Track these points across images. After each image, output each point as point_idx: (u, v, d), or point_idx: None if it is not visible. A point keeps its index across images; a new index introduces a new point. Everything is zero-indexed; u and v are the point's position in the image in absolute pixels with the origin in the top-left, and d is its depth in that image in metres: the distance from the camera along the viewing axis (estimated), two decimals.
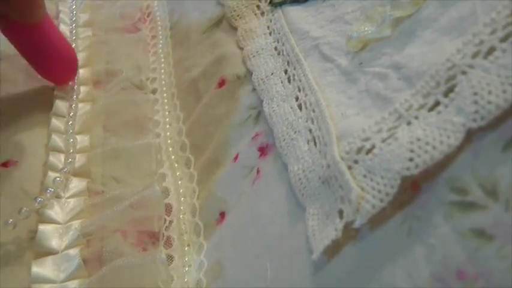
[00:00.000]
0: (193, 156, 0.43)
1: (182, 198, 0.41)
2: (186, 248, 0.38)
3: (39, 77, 0.47)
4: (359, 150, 0.28)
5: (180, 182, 0.42)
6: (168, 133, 0.46)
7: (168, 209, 0.40)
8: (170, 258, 0.38)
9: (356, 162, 0.28)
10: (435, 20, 0.31)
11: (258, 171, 0.36)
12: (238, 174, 0.38)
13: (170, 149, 0.45)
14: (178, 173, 0.43)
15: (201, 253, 0.37)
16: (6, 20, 0.43)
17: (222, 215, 0.38)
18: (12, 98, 0.47)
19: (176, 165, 0.43)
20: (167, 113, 0.48)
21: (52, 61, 0.47)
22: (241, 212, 0.36)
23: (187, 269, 0.37)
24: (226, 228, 0.37)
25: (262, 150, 0.37)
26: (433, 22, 0.31)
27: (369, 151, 0.28)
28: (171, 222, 0.40)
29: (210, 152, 0.42)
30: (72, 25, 0.55)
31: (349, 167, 0.28)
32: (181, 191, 0.42)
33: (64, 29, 0.54)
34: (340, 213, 0.27)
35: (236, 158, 0.39)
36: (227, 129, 0.41)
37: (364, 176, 0.27)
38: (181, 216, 0.40)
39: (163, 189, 0.42)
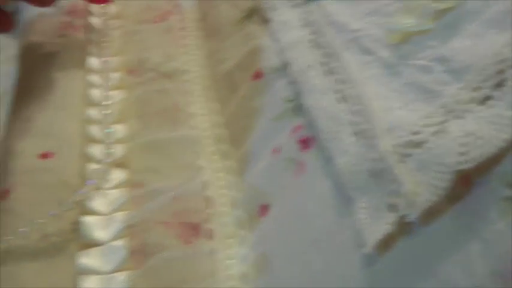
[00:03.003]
0: (232, 148, 0.43)
1: (222, 191, 0.41)
2: (229, 240, 0.38)
3: (69, 68, 0.48)
4: (409, 144, 0.28)
5: (219, 174, 0.42)
6: (204, 125, 0.46)
7: (209, 201, 0.41)
8: (213, 250, 0.38)
9: (407, 156, 0.28)
10: (480, 12, 0.31)
11: (300, 164, 0.36)
12: (280, 167, 0.38)
13: (207, 140, 0.45)
14: (216, 165, 0.43)
15: (245, 245, 0.38)
16: None
17: (265, 207, 0.38)
18: (44, 89, 0.47)
19: (214, 157, 0.44)
20: (202, 104, 0.48)
21: None
22: (286, 205, 0.36)
23: (231, 261, 0.37)
24: (270, 221, 0.37)
25: (304, 143, 0.37)
26: (478, 15, 0.31)
27: (419, 145, 0.28)
28: (212, 214, 0.40)
29: (248, 144, 0.42)
30: (103, 17, 0.55)
31: (400, 161, 0.28)
32: (221, 183, 0.42)
33: (95, 20, 0.54)
34: (393, 207, 0.28)
35: (276, 150, 0.39)
36: (265, 122, 0.41)
37: (417, 170, 0.27)
38: (222, 208, 0.40)
39: (203, 182, 0.42)
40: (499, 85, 0.27)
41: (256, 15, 0.48)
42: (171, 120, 0.46)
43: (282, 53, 0.42)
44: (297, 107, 0.39)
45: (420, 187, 0.27)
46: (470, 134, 0.26)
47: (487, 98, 0.27)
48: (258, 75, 0.43)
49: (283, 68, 0.42)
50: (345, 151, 0.32)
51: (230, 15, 0.51)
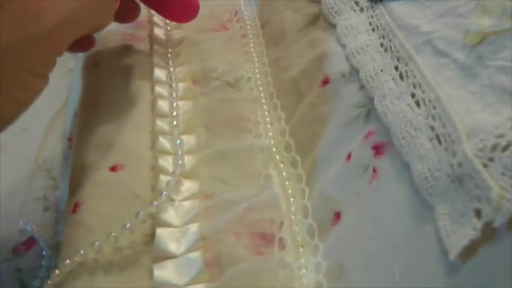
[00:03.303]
0: (299, 156, 0.43)
1: (291, 199, 0.41)
2: (301, 250, 0.38)
3: (135, 80, 0.48)
4: (494, 147, 0.27)
5: (287, 183, 0.42)
6: (270, 133, 0.46)
7: (279, 210, 0.40)
8: (286, 260, 0.37)
9: (491, 159, 0.27)
10: None
11: (374, 170, 0.35)
12: (352, 174, 0.37)
13: (274, 149, 0.44)
14: (284, 173, 0.43)
15: (318, 254, 0.37)
16: None
17: (337, 215, 0.37)
18: (111, 101, 0.47)
19: (282, 165, 0.43)
20: (267, 112, 0.48)
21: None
22: (360, 212, 0.35)
23: (304, 271, 0.36)
24: (344, 229, 0.36)
25: (377, 149, 0.36)
26: None
27: (505, 148, 0.27)
28: (282, 223, 0.39)
29: (317, 151, 0.41)
30: (166, 27, 0.55)
31: (485, 165, 0.27)
32: (289, 191, 0.41)
33: (158, 31, 0.55)
34: (478, 212, 0.27)
35: (349, 157, 0.38)
36: (335, 128, 0.40)
37: (502, 174, 0.26)
38: (292, 217, 0.39)
39: (273, 191, 0.41)
40: None
41: (320, 20, 0.47)
42: (238, 129, 0.46)
43: (350, 58, 0.41)
44: (369, 113, 0.38)
45: (507, 191, 0.26)
46: None
47: None
48: (325, 82, 0.43)
49: (352, 73, 0.41)
50: (423, 156, 0.32)
51: (293, 21, 0.50)
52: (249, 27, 0.56)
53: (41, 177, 0.53)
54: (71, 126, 0.55)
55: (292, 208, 0.40)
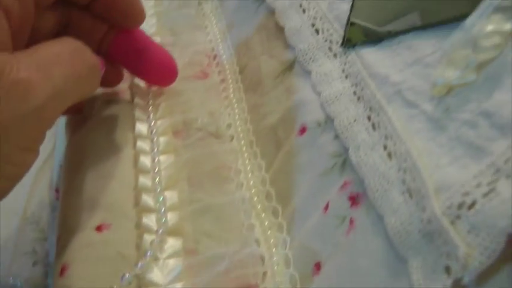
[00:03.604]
0: (280, 206, 0.43)
1: (273, 249, 0.41)
2: None
3: (118, 135, 0.49)
4: (460, 205, 0.28)
5: (269, 232, 0.42)
6: (251, 182, 0.46)
7: (263, 260, 0.41)
8: None
9: (458, 217, 0.28)
10: None
11: (351, 222, 0.36)
12: (330, 224, 0.38)
13: (255, 198, 0.45)
14: (266, 223, 0.43)
15: None
16: (108, 34, 0.47)
17: (318, 265, 0.38)
18: (94, 158, 0.48)
19: (263, 214, 0.44)
20: (247, 161, 0.48)
21: (156, 62, 0.50)
22: (339, 264, 0.36)
23: None
24: (323, 280, 0.37)
25: (353, 200, 0.37)
26: None
27: (470, 206, 0.28)
28: (265, 273, 0.40)
29: (297, 201, 0.42)
30: None
31: (452, 223, 0.28)
32: (271, 241, 0.42)
33: (139, 82, 0.55)
34: (447, 269, 0.28)
35: (326, 207, 0.39)
36: (313, 178, 0.41)
37: (469, 232, 0.27)
38: (275, 267, 0.40)
39: (256, 241, 0.42)
40: None
41: (296, 66, 0.48)
42: (220, 179, 0.47)
43: (325, 107, 0.42)
44: (344, 162, 0.39)
45: (473, 250, 0.27)
46: None
47: None
48: (302, 130, 0.43)
49: (328, 122, 0.42)
50: (396, 210, 0.32)
51: (270, 68, 0.51)
52: (228, 71, 0.57)
53: (30, 230, 0.53)
54: (58, 177, 0.55)
55: (275, 258, 0.40)
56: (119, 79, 0.51)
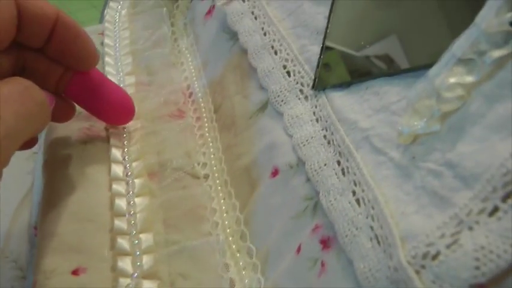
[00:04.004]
0: (254, 246, 0.44)
1: None
2: None
3: (93, 176, 0.50)
4: (425, 255, 0.29)
5: (244, 272, 0.43)
6: (226, 222, 0.47)
7: None
8: None
9: (423, 267, 0.29)
10: (483, 115, 0.32)
11: (322, 264, 0.37)
12: (303, 267, 0.39)
13: (230, 238, 0.46)
14: (241, 263, 0.44)
15: None
16: (65, 75, 0.47)
17: None
18: (70, 200, 0.48)
19: (238, 254, 0.45)
20: (222, 200, 0.49)
21: (112, 101, 0.51)
22: None
23: None
24: None
25: (325, 243, 0.38)
26: (481, 118, 0.32)
27: (434, 257, 0.29)
28: None
29: (271, 242, 0.43)
30: None
31: (417, 272, 0.29)
32: (246, 281, 0.43)
33: None
34: None
35: (299, 249, 0.40)
36: (286, 220, 0.42)
37: (433, 282, 0.28)
38: None
39: (229, 280, 0.43)
40: (507, 197, 0.27)
41: (268, 107, 0.49)
42: (195, 218, 0.48)
43: (296, 150, 0.43)
44: (316, 206, 0.40)
45: None
46: (483, 247, 0.27)
47: (496, 210, 0.28)
48: (274, 173, 0.44)
49: (300, 165, 0.43)
50: (364, 256, 0.33)
51: (243, 108, 0.52)
52: (203, 109, 0.58)
53: (8, 269, 0.54)
54: (36, 214, 0.56)
55: None
56: (70, 114, 0.51)
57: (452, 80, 0.34)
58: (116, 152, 0.53)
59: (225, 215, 0.48)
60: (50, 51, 0.46)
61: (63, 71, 0.48)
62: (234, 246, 0.45)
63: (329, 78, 0.44)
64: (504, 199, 0.28)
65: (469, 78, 0.33)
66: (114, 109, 0.52)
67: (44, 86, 0.43)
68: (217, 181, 0.51)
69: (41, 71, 0.47)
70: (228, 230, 0.47)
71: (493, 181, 0.28)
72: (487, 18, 0.32)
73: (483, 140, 0.31)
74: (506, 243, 0.26)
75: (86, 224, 0.46)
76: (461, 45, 0.33)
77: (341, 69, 0.44)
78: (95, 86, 0.50)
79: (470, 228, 0.28)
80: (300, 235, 0.40)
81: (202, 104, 0.59)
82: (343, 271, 0.35)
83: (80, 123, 0.54)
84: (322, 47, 0.46)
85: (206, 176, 0.52)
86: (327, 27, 0.46)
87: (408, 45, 0.40)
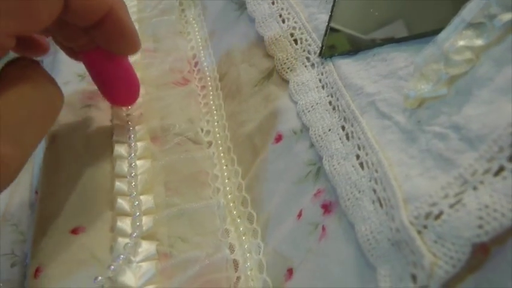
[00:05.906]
0: (255, 212, 0.44)
1: (248, 254, 0.42)
2: None
3: (96, 140, 0.50)
4: (427, 215, 0.29)
5: (244, 238, 0.43)
6: (228, 188, 0.47)
7: (235, 264, 0.42)
8: None
9: (425, 227, 0.29)
10: (491, 79, 0.31)
11: (323, 229, 0.37)
12: (303, 231, 0.38)
13: (231, 204, 0.46)
14: (241, 228, 0.44)
15: None
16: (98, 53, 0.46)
17: (290, 271, 0.38)
18: (72, 163, 0.48)
19: (238, 220, 0.44)
20: (224, 167, 0.49)
21: (126, 87, 0.51)
22: (310, 270, 0.37)
23: None
24: (295, 286, 0.37)
25: (326, 208, 0.37)
26: (489, 81, 0.31)
27: (437, 217, 0.28)
28: (238, 278, 0.41)
29: (271, 208, 0.42)
30: None
31: (419, 232, 0.29)
32: (246, 246, 0.42)
33: None
34: (413, 277, 0.28)
35: (300, 214, 0.39)
36: (288, 185, 0.42)
37: (435, 242, 0.28)
38: (248, 272, 0.41)
39: (228, 245, 0.43)
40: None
41: (274, 75, 0.49)
42: (197, 184, 0.47)
43: (301, 116, 0.43)
44: (318, 171, 0.40)
45: (439, 259, 0.27)
46: (487, 206, 0.26)
47: (501, 169, 0.27)
48: (278, 139, 0.44)
49: (304, 131, 0.42)
50: (366, 219, 0.33)
51: (249, 76, 0.52)
52: (208, 78, 0.57)
53: (9, 232, 0.53)
54: (38, 179, 0.55)
55: (248, 263, 0.41)
56: (42, 49, 0.46)
57: (461, 43, 0.33)
58: (118, 117, 0.52)
59: (226, 181, 0.48)
60: (91, 32, 0.44)
61: (86, 42, 0.46)
62: (234, 212, 0.45)
63: (335, 50, 0.44)
64: (510, 159, 0.27)
65: (478, 42, 0.33)
66: (119, 91, 0.51)
67: (65, 41, 0.43)
68: (220, 148, 0.50)
69: (71, 34, 0.45)
70: (229, 196, 0.46)
71: (500, 141, 0.28)
72: None
73: (491, 102, 0.30)
74: (510, 202, 0.26)
75: (86, 185, 0.46)
76: (471, 9, 0.33)
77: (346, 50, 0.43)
78: (111, 69, 0.49)
79: (475, 188, 0.28)
80: (302, 200, 0.40)
81: (207, 73, 0.58)
82: (344, 235, 0.35)
83: (85, 86, 0.54)
84: (330, 15, 0.45)
85: (209, 143, 0.51)
86: None
87: (414, 31, 0.39)
